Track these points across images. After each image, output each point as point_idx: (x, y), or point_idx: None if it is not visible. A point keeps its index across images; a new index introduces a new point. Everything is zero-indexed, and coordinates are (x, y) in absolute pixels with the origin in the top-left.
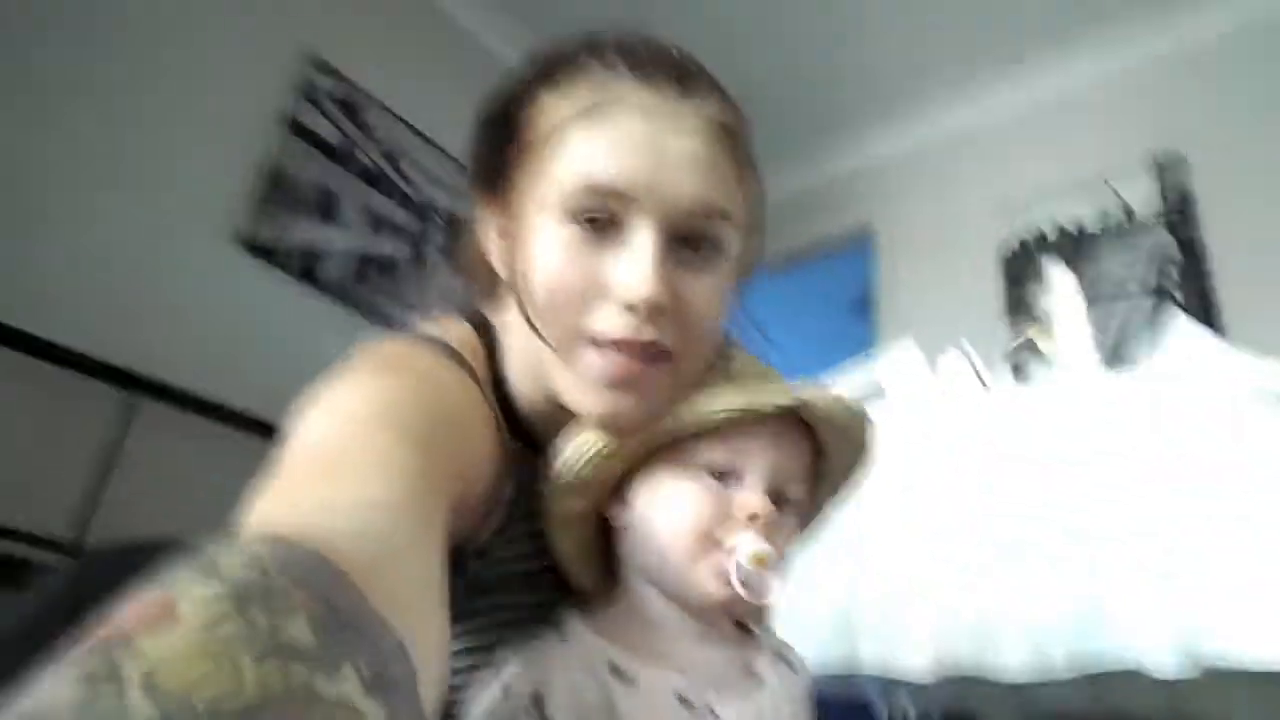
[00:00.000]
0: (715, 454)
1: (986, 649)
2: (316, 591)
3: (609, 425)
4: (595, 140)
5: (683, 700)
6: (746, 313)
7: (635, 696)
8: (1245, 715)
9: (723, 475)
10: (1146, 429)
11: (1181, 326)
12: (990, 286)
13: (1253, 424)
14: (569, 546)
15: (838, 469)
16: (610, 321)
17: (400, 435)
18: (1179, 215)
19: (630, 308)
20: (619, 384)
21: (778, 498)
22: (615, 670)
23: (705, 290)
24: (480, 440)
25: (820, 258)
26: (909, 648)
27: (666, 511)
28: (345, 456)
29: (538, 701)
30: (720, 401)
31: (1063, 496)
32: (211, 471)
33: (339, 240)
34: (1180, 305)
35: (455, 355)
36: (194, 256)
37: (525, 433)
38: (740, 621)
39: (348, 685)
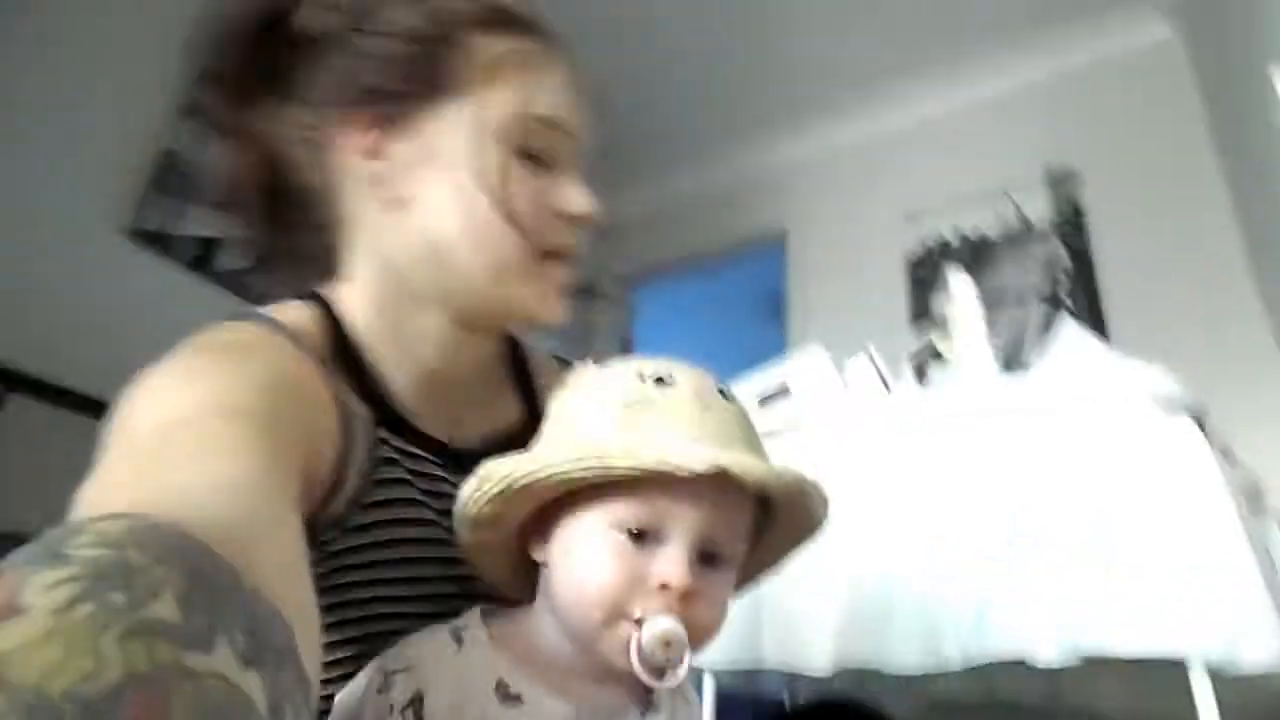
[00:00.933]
0: (631, 511)
1: (882, 645)
2: (180, 566)
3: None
4: (533, 80)
5: None
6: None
7: (514, 716)
8: (1118, 696)
9: (642, 535)
10: (1034, 433)
11: (1070, 332)
12: (899, 292)
13: (1132, 428)
14: (488, 568)
15: (785, 528)
16: (555, 239)
17: (239, 416)
18: (1071, 226)
19: (576, 219)
20: (560, 288)
21: (708, 556)
22: (503, 689)
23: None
24: (318, 412)
25: (735, 259)
26: (810, 643)
27: (577, 569)
28: (186, 442)
29: (416, 701)
30: (628, 455)
31: (955, 497)
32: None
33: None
34: (1071, 312)
35: (285, 330)
36: (77, 246)
37: (390, 404)
38: None
39: (222, 659)
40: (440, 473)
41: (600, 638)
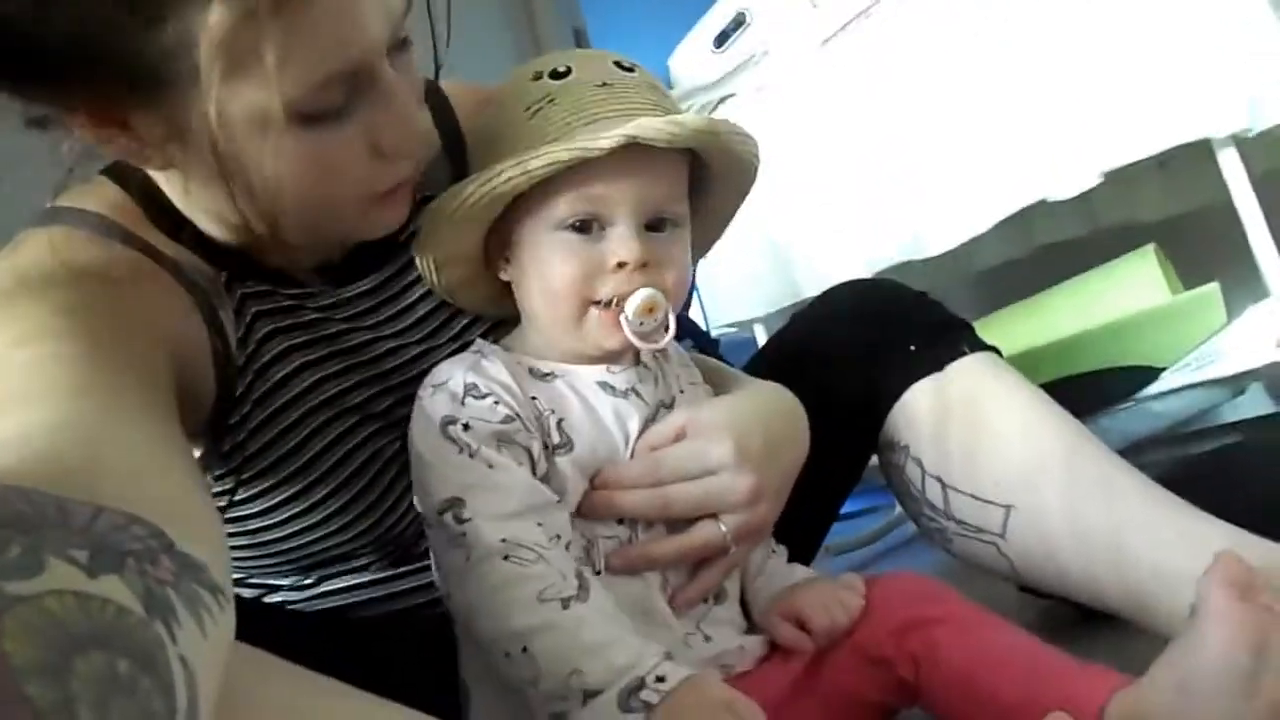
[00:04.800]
0: (567, 207)
1: (914, 237)
2: None
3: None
4: (294, 37)
5: (604, 386)
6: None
7: (555, 386)
8: (1155, 201)
9: (585, 224)
10: None
11: None
12: None
13: None
14: (471, 300)
15: (721, 174)
16: (392, 177)
17: (49, 350)
18: None
19: (405, 155)
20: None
21: (654, 224)
22: (535, 372)
23: (416, 81)
24: (154, 310)
25: None
26: (844, 262)
27: (537, 275)
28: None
29: (470, 389)
30: (543, 155)
31: (947, 66)
32: None
33: None
34: None
35: (96, 221)
36: None
37: (235, 256)
38: None
39: (59, 577)
40: (309, 304)
41: (579, 330)
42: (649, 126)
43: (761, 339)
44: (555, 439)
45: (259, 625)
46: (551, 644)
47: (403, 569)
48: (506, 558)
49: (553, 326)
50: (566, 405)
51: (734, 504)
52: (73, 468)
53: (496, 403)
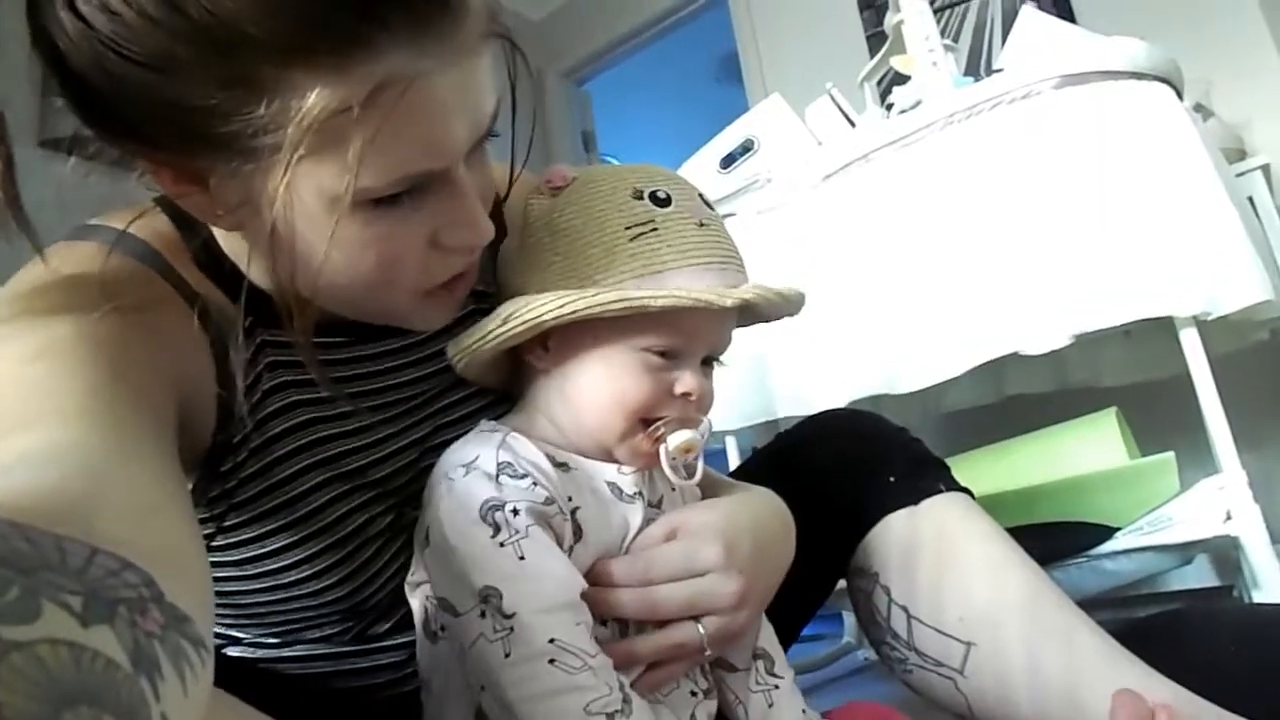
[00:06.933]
0: (662, 339)
1: (889, 371)
2: None
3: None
4: (381, 135)
5: (613, 486)
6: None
7: (572, 476)
8: (1119, 367)
9: (664, 354)
10: (1002, 128)
11: (1033, 20)
12: (854, 25)
13: (1101, 100)
14: (479, 372)
15: (760, 316)
16: (447, 271)
17: (62, 371)
18: None
19: (464, 253)
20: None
21: (707, 359)
22: (550, 458)
23: (487, 181)
24: (171, 341)
25: (679, 24)
26: (819, 387)
27: (597, 382)
28: (6, 414)
29: (504, 467)
30: (669, 297)
31: (932, 211)
32: None
33: None
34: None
35: (132, 244)
36: None
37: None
38: None
39: (54, 624)
40: (333, 355)
41: (617, 445)
42: (765, 295)
43: (731, 450)
44: (569, 528)
45: (229, 676)
46: None
47: (365, 646)
48: (553, 661)
49: (592, 428)
50: (582, 497)
51: (720, 606)
52: (71, 500)
53: (535, 484)
